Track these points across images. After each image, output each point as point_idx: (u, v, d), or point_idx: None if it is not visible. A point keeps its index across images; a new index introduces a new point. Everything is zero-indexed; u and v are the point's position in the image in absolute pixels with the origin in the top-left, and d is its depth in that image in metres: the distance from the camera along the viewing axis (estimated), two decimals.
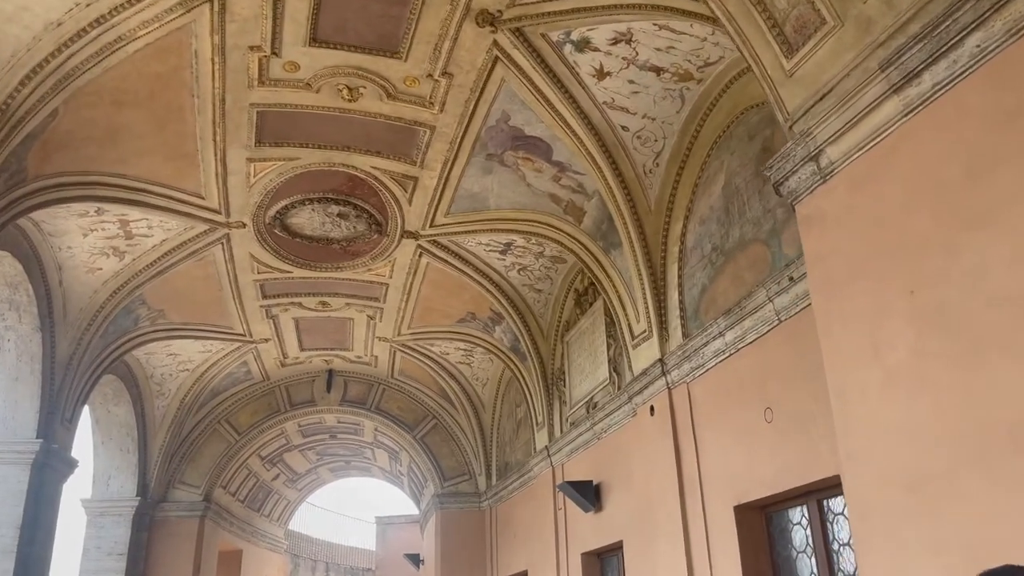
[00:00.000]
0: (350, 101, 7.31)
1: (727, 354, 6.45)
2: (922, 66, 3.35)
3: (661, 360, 7.37)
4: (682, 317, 7.30)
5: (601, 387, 9.28)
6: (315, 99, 7.29)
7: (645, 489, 7.78)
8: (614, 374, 8.96)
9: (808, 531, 5.70)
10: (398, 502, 43.51)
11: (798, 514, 5.86)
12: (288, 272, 10.76)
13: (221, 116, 7.33)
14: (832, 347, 3.81)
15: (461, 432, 15.05)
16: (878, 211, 3.58)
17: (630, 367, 8.18)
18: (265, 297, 11.50)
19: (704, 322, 6.84)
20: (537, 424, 11.45)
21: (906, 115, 3.46)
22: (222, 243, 9.70)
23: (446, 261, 10.26)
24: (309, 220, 9.47)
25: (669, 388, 7.34)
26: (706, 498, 6.64)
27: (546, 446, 10.87)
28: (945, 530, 3.20)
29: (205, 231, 9.40)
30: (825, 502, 5.55)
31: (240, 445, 14.84)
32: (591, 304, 9.83)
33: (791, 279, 5.49)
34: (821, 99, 3.89)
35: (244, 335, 12.70)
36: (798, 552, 5.82)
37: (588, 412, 9.49)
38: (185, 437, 14.53)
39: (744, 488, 6.11)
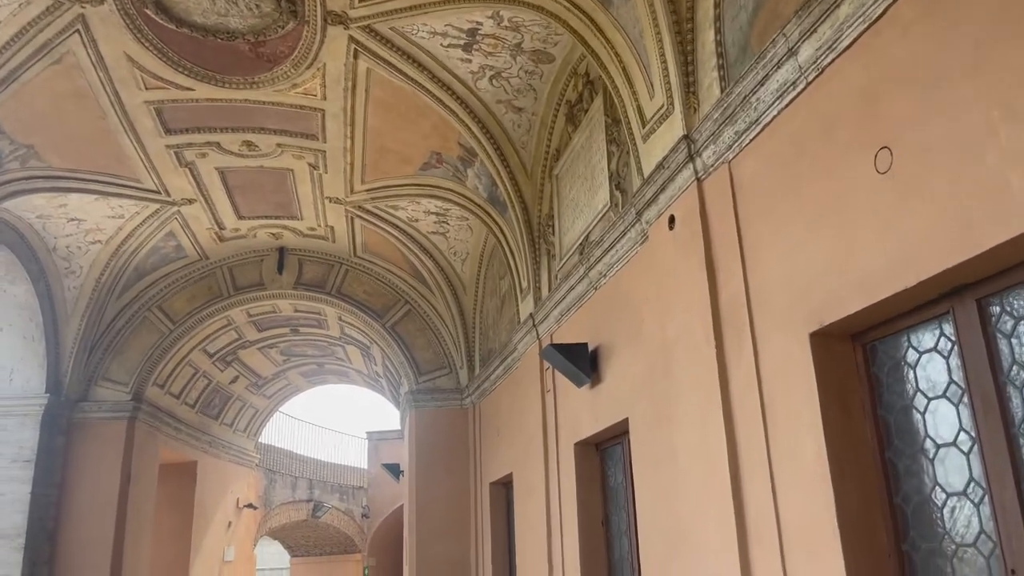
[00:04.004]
0: None
1: (801, 85, 3.87)
2: None
3: (687, 137, 4.81)
4: (721, 66, 4.70)
5: (600, 216, 6.74)
6: None
7: (660, 341, 5.33)
8: (617, 193, 6.42)
9: (953, 358, 3.22)
10: (393, 416, 41.99)
11: (929, 335, 3.37)
12: (188, 89, 8.15)
13: None
14: None
15: (438, 318, 12.64)
16: None
17: (639, 171, 5.63)
18: (168, 132, 8.92)
19: (760, 52, 4.24)
20: (521, 291, 8.99)
21: None
22: (79, 31, 7.07)
23: (391, 66, 7.61)
24: None
25: (698, 179, 4.81)
26: (758, 331, 4.16)
27: (531, 314, 8.42)
28: None
29: (48, 8, 6.77)
30: (992, 301, 3.06)
31: (176, 336, 12.47)
32: (586, 111, 7.21)
33: None
34: None
35: (158, 191, 10.19)
36: (930, 397, 3.36)
37: (582, 255, 6.98)
38: (108, 326, 12.16)
39: (826, 302, 3.62)
